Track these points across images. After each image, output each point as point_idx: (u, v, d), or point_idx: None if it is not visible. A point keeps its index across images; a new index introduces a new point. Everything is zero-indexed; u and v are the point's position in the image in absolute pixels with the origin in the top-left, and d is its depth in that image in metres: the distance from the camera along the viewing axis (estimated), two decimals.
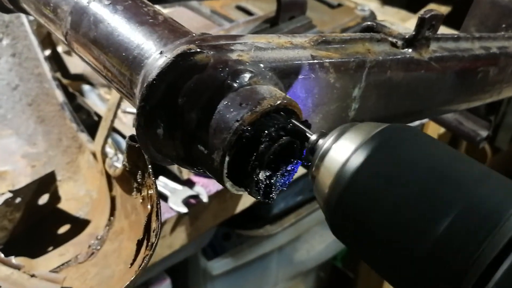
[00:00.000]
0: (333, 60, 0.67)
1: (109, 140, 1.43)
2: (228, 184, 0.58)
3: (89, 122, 1.48)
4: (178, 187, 1.41)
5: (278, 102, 0.56)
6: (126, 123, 1.52)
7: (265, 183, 0.56)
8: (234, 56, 0.59)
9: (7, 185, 1.31)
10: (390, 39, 0.76)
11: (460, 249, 0.47)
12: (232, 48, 0.60)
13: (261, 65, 0.60)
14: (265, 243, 1.93)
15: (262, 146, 0.54)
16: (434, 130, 2.22)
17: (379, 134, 0.55)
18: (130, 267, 0.79)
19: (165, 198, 1.39)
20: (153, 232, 0.75)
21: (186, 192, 1.40)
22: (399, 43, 0.76)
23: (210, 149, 0.56)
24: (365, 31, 0.78)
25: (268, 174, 0.56)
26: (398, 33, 0.77)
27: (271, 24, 1.46)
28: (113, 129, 1.45)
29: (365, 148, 0.53)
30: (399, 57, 0.75)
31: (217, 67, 0.57)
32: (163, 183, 1.42)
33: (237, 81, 0.57)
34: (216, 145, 0.55)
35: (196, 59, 0.56)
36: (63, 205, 1.26)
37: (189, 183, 1.44)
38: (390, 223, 0.51)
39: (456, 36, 0.85)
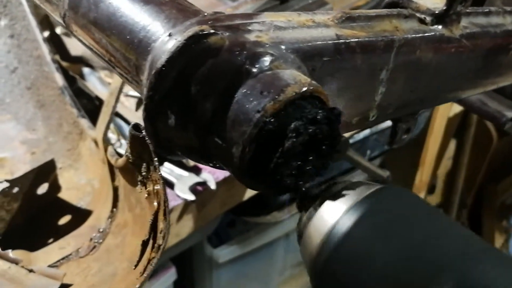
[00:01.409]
0: (359, 39, 0.60)
1: (111, 125, 1.37)
2: (248, 182, 0.51)
3: (90, 107, 1.41)
4: (185, 173, 1.35)
5: (304, 88, 0.49)
6: (128, 107, 1.46)
7: (291, 180, 0.50)
8: (252, 37, 0.52)
9: (6, 173, 1.26)
10: (418, 15, 0.70)
11: None
12: (249, 28, 0.53)
13: (282, 46, 0.53)
14: (272, 230, 1.89)
15: (288, 142, 0.48)
16: (444, 112, 2.17)
17: (371, 196, 0.52)
18: (134, 268, 0.74)
19: (171, 185, 1.34)
20: (160, 233, 0.69)
21: (193, 179, 1.34)
22: (428, 19, 0.70)
23: (228, 143, 0.50)
24: (389, 7, 0.71)
25: (294, 169, 0.50)
26: (427, 8, 0.70)
27: (281, 1, 1.39)
28: (115, 113, 1.39)
29: (356, 211, 0.51)
30: (428, 34, 0.68)
31: (233, 50, 0.50)
32: (169, 170, 1.36)
33: (257, 65, 0.50)
34: (234, 138, 0.49)
35: (210, 42, 0.49)
36: (63, 195, 1.20)
37: (196, 170, 1.37)
38: None
39: (487, 10, 0.78)
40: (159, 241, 0.69)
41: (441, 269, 0.46)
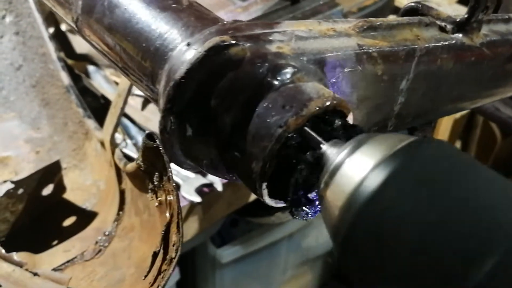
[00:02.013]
0: (381, 49, 0.58)
1: None
2: (267, 198, 0.50)
3: (95, 105, 1.39)
4: (191, 174, 1.34)
5: (328, 103, 0.47)
6: (134, 106, 1.44)
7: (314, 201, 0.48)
8: (273, 48, 0.50)
9: (10, 172, 1.24)
10: (438, 22, 0.68)
11: None
12: (271, 38, 0.51)
13: (304, 58, 0.51)
14: (275, 230, 1.87)
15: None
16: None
17: (404, 149, 0.43)
18: (144, 279, 0.72)
19: (177, 186, 1.31)
20: (173, 246, 0.67)
21: (199, 180, 1.33)
22: (449, 27, 0.68)
23: (248, 158, 0.48)
24: (408, 14, 0.70)
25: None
26: (448, 15, 0.68)
27: (291, 1, 1.37)
28: None
29: (387, 166, 0.42)
30: (449, 43, 0.66)
31: (254, 62, 0.48)
32: (175, 171, 1.33)
33: (278, 78, 0.48)
34: (255, 154, 0.47)
35: (231, 53, 0.48)
36: (68, 195, 1.19)
37: (202, 171, 1.35)
38: (414, 263, 0.40)
39: (506, 17, 0.76)
40: (172, 254, 0.67)
41: (491, 234, 0.39)
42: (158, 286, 0.68)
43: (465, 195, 0.41)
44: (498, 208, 0.41)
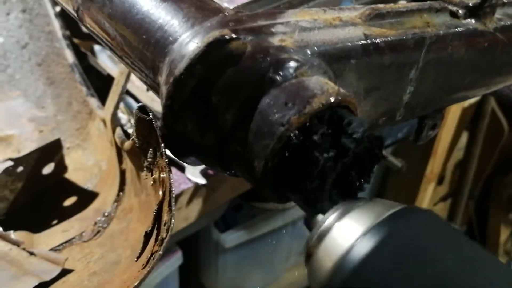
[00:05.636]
0: (389, 39, 0.56)
1: (122, 105, 1.33)
2: (271, 195, 0.48)
3: (100, 85, 1.37)
4: None
5: (332, 99, 0.45)
6: (140, 87, 1.42)
7: (328, 200, 0.47)
8: (275, 41, 0.48)
9: (13, 150, 1.23)
10: (450, 7, 0.65)
11: None
12: (273, 30, 0.49)
13: (308, 50, 0.49)
14: (280, 216, 1.85)
15: (321, 162, 0.44)
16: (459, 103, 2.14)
17: (392, 218, 0.44)
18: (136, 260, 0.70)
19: (182, 168, 1.30)
20: (164, 225, 0.64)
21: None
22: (461, 12, 0.65)
23: (250, 155, 0.46)
24: None
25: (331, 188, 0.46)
26: (460, 0, 0.66)
27: None
28: (126, 92, 1.35)
29: (375, 234, 0.43)
30: (461, 29, 0.64)
31: (256, 56, 0.47)
32: None
33: (281, 73, 0.46)
34: (256, 152, 0.46)
35: (232, 48, 0.46)
36: (70, 175, 1.17)
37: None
38: None
39: None
40: (163, 234, 0.64)
41: None
42: (150, 268, 0.66)
43: (452, 266, 0.42)
44: (482, 281, 0.42)
